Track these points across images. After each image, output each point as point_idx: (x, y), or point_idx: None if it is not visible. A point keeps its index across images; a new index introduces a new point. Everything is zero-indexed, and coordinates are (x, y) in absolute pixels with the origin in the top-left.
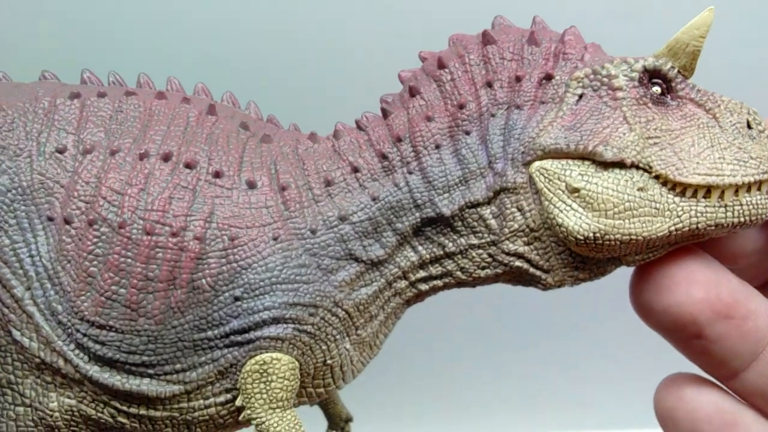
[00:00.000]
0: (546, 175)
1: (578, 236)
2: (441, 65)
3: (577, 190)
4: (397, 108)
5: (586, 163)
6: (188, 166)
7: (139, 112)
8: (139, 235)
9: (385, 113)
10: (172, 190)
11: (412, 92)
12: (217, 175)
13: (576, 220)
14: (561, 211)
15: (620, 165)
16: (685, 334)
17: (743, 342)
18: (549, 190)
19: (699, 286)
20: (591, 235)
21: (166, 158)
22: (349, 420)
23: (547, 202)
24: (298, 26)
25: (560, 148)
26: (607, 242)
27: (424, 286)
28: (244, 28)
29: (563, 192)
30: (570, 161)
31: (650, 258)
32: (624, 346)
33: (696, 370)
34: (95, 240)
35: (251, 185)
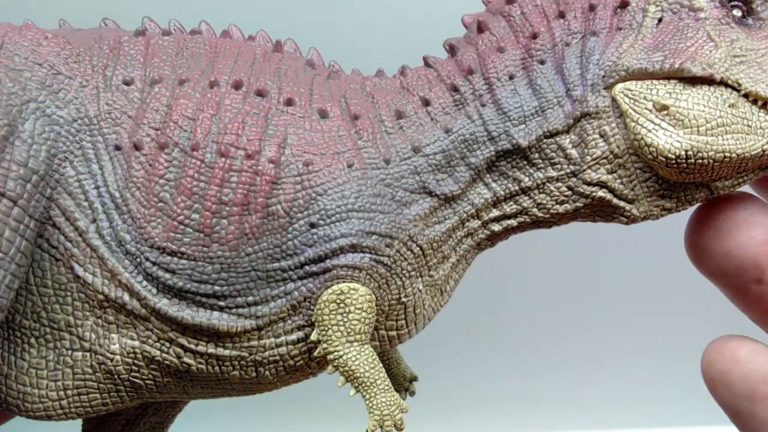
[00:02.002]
0: (631, 96)
1: (669, 155)
2: (509, 0)
3: (665, 107)
4: (464, 46)
5: (672, 81)
6: (259, 94)
7: (204, 49)
8: (213, 158)
9: (453, 50)
10: (245, 116)
11: (481, 28)
12: (289, 103)
13: (666, 139)
14: (649, 131)
15: (708, 82)
16: (744, 279)
17: None
18: (635, 110)
19: (761, 229)
20: (683, 153)
21: (237, 86)
22: (413, 379)
23: (633, 123)
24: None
25: (644, 69)
26: (700, 161)
27: (497, 227)
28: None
29: (650, 111)
30: (655, 81)
31: (739, 184)
32: (624, 346)
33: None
34: (167, 164)
35: (323, 114)
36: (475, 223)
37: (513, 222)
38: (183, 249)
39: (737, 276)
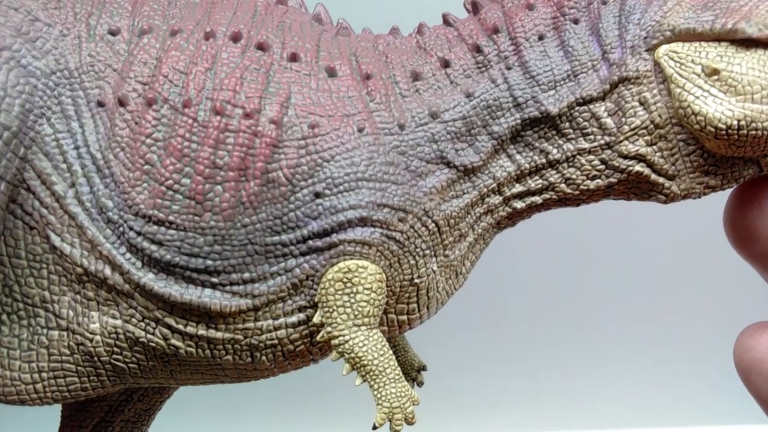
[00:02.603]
0: (677, 59)
1: (719, 125)
2: None
3: (716, 71)
4: (488, 3)
5: (724, 44)
6: (260, 47)
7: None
8: (207, 117)
9: (476, 7)
10: (244, 71)
11: None
12: (293, 58)
13: (716, 107)
14: (697, 98)
15: (765, 45)
16: None
17: None
18: (681, 75)
19: None
20: (735, 123)
21: (235, 39)
22: (422, 368)
23: (678, 89)
24: None
25: (692, 29)
26: (753, 132)
27: (519, 204)
28: None
29: (698, 76)
30: (704, 43)
31: None
32: (624, 346)
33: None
34: (155, 123)
35: (331, 72)
36: (496, 199)
37: (538, 199)
38: (171, 218)
39: None
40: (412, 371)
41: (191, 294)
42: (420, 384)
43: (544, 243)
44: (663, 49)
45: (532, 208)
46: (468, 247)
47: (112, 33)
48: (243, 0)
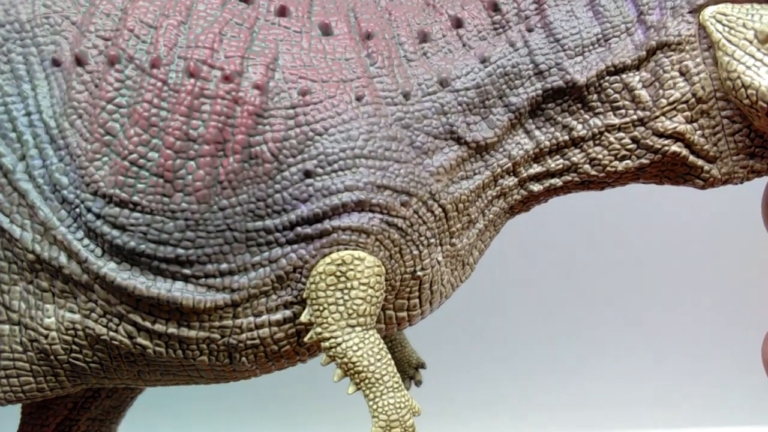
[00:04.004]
0: (726, 23)
1: None
2: None
3: None
4: None
5: None
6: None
7: None
8: (179, 79)
9: None
10: (223, 25)
11: None
12: (282, 12)
13: None
14: (749, 68)
15: None
16: None
17: None
18: (730, 41)
19: None
20: None
21: None
22: (420, 366)
23: (727, 58)
24: None
25: None
26: None
27: (537, 186)
28: None
29: (751, 43)
30: (756, 5)
31: None
32: (624, 346)
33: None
34: (117, 85)
35: (326, 30)
36: (511, 181)
37: (557, 181)
38: (136, 198)
39: None
40: (410, 369)
41: (159, 287)
42: (418, 383)
43: (546, 240)
44: (709, 10)
45: (551, 191)
46: (477, 235)
47: None
48: None
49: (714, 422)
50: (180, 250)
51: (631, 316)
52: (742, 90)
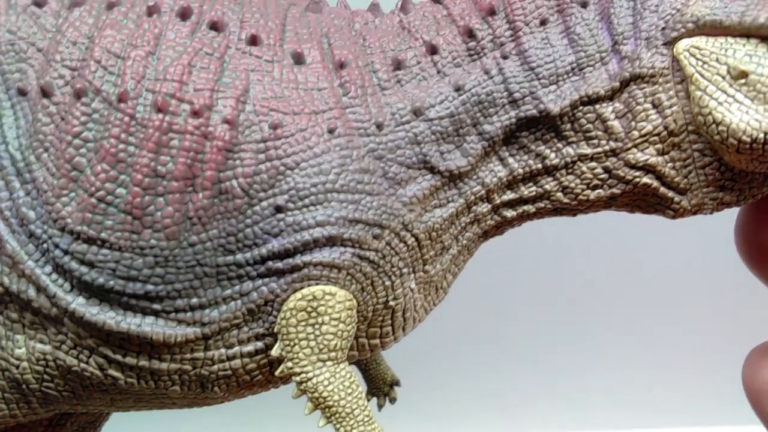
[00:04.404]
0: (699, 57)
1: (744, 137)
2: None
3: (744, 74)
4: None
5: (753, 41)
6: (214, 27)
7: None
8: (147, 113)
9: None
10: (193, 56)
11: None
12: (253, 41)
13: (742, 116)
14: (720, 104)
15: None
16: None
17: None
18: (703, 76)
19: None
20: (761, 136)
21: (183, 15)
22: (395, 383)
23: (700, 93)
24: None
25: (719, 21)
26: None
27: (510, 213)
28: None
29: (723, 78)
30: (731, 39)
31: None
32: (624, 346)
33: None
34: (84, 119)
35: (299, 59)
36: (485, 207)
37: (530, 207)
38: (104, 235)
39: None
40: (385, 386)
41: (129, 322)
42: (392, 400)
43: (547, 240)
44: (684, 43)
45: (524, 217)
46: (451, 260)
47: (38, 4)
48: None
49: (713, 422)
50: (149, 286)
51: (631, 316)
52: (713, 126)
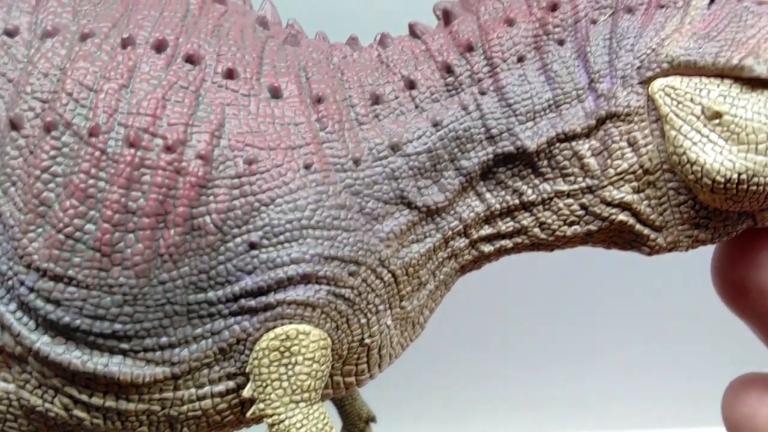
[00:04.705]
0: (674, 96)
1: (717, 177)
2: None
3: (718, 115)
4: (462, 13)
5: (727, 82)
6: (189, 60)
7: None
8: (119, 148)
9: (448, 17)
10: (167, 89)
11: None
12: (230, 75)
13: (716, 156)
14: (694, 144)
15: None
16: None
17: None
18: (677, 115)
19: None
20: (735, 176)
21: (159, 47)
22: (370, 419)
23: (674, 132)
24: None
25: (693, 62)
26: (754, 187)
27: (487, 247)
28: None
29: (697, 118)
30: (705, 79)
31: None
32: (624, 346)
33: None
34: (53, 153)
35: (275, 93)
36: (462, 242)
37: (508, 242)
38: (71, 273)
39: None
40: (360, 422)
41: (96, 362)
42: None
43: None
44: (659, 83)
45: (501, 252)
46: (428, 296)
47: (9, 33)
48: None
49: (713, 422)
50: (117, 325)
51: (631, 317)
52: (688, 165)
